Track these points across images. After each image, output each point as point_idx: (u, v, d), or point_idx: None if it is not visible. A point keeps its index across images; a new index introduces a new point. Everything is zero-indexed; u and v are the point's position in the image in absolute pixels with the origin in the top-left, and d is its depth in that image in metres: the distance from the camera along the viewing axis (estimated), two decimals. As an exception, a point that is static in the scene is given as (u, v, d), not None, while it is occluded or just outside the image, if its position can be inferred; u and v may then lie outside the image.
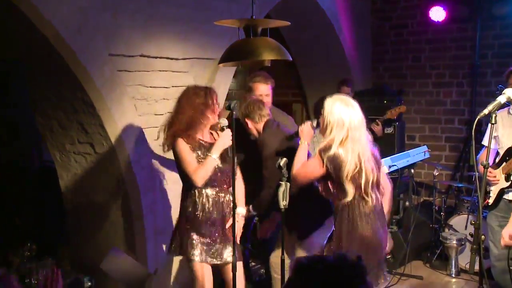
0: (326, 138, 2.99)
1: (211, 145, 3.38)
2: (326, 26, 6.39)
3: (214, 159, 3.27)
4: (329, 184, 3.03)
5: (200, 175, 3.28)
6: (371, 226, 3.00)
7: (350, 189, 2.97)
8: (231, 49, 2.83)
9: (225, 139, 3.25)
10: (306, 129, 3.20)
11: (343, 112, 2.95)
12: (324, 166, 2.96)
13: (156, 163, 4.23)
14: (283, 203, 2.73)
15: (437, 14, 6.49)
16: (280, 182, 2.78)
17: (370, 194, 3.00)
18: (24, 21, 3.31)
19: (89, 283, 3.89)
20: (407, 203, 5.68)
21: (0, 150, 4.04)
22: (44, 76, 3.79)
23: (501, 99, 2.68)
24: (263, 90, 4.21)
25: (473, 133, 2.64)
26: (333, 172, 2.96)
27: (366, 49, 7.22)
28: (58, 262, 4.04)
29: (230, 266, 3.18)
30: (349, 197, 2.98)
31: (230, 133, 3.17)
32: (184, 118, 3.38)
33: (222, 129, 3.29)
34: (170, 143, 3.43)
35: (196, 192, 3.41)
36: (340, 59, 6.75)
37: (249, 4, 4.75)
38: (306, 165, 3.07)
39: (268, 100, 4.20)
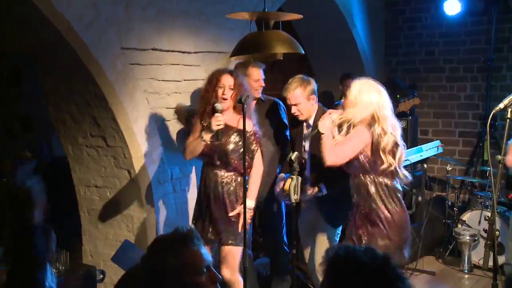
0: (358, 114, 3.09)
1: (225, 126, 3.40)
2: (339, 19, 6.34)
3: (201, 140, 3.37)
4: (368, 156, 3.08)
5: (185, 151, 3.55)
6: (402, 202, 3.15)
7: (388, 160, 3.06)
8: (244, 42, 2.82)
9: (211, 123, 3.28)
10: (327, 122, 3.17)
11: (373, 92, 3.16)
12: (370, 134, 3.05)
13: (167, 156, 4.24)
14: (294, 197, 2.72)
15: (452, 7, 6.40)
16: (292, 176, 2.77)
17: (402, 171, 3.13)
18: (37, 14, 3.33)
19: (101, 276, 3.92)
20: (419, 198, 5.64)
21: (12, 142, 4.08)
22: (56, 69, 3.81)
23: None
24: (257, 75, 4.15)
25: (487, 128, 2.60)
26: (376, 141, 3.05)
27: (379, 42, 7.17)
28: (71, 255, 4.08)
29: (227, 248, 3.33)
30: (385, 166, 3.06)
31: (219, 118, 3.22)
32: (200, 98, 3.59)
33: (216, 111, 3.29)
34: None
35: (204, 171, 3.61)
36: (353, 52, 6.70)
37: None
38: (350, 140, 3.07)
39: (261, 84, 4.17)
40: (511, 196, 3.59)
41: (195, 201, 3.89)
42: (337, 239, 3.73)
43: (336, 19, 6.35)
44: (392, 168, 3.09)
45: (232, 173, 3.48)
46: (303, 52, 2.79)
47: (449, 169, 5.75)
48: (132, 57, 3.92)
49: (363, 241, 3.09)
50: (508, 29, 6.34)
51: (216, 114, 3.25)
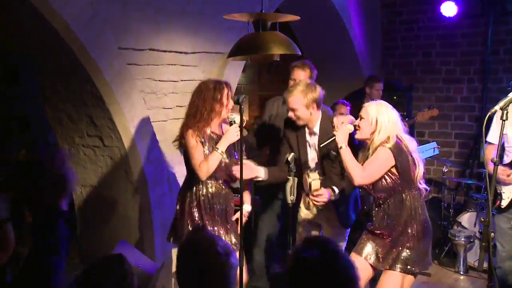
0: (377, 132, 3.21)
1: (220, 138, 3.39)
2: (335, 21, 6.37)
3: (219, 154, 3.27)
4: (395, 175, 3.21)
5: (204, 170, 3.29)
6: (426, 213, 3.32)
7: (413, 177, 3.22)
8: (241, 43, 2.83)
9: (232, 134, 3.25)
10: (343, 133, 3.21)
11: (388, 111, 3.25)
12: (394, 157, 3.16)
13: (164, 156, 4.25)
14: (290, 198, 2.73)
15: (449, 9, 6.44)
16: (288, 177, 2.78)
17: (422, 184, 3.29)
18: (35, 14, 3.33)
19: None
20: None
21: (10, 142, 4.06)
22: (54, 69, 3.81)
23: None
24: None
25: (483, 130, 2.62)
26: (400, 162, 3.17)
27: (376, 44, 7.19)
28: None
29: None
30: (413, 185, 3.22)
31: (238, 129, 3.18)
32: (194, 111, 3.39)
33: (231, 124, 3.29)
34: (181, 135, 3.43)
35: (199, 184, 3.43)
36: (350, 54, 6.73)
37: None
38: (376, 162, 3.19)
39: None
40: (498, 203, 3.61)
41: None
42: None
43: (333, 20, 6.37)
44: (416, 184, 3.26)
45: (227, 184, 3.50)
46: (300, 53, 2.80)
47: (445, 170, 5.78)
48: (129, 57, 3.93)
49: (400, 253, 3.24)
50: (505, 32, 6.37)
51: (234, 126, 3.25)
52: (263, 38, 2.71)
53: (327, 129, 3.46)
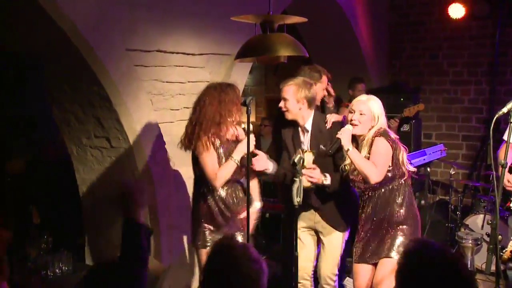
0: (374, 126, 3.27)
1: (234, 142, 3.36)
2: (342, 22, 6.35)
3: (234, 163, 3.27)
4: (390, 165, 3.23)
5: (220, 181, 3.29)
6: (413, 198, 3.39)
7: (404, 163, 3.26)
8: (248, 45, 2.82)
9: (247, 145, 3.19)
10: (346, 135, 3.21)
11: (379, 104, 3.33)
12: (391, 146, 3.21)
13: (171, 157, 4.24)
14: (297, 199, 2.72)
15: (456, 11, 6.41)
16: (295, 178, 2.77)
17: (409, 167, 3.33)
18: (42, 14, 3.34)
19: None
20: (422, 202, 5.63)
21: (18, 142, 4.10)
22: (61, 70, 3.82)
23: None
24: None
25: (491, 132, 2.60)
26: (394, 149, 3.22)
27: (383, 45, 7.17)
28: (73, 255, 4.09)
29: None
30: (402, 170, 3.25)
31: (253, 138, 3.20)
32: (211, 115, 3.30)
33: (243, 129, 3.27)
34: (192, 142, 3.34)
35: (210, 188, 3.40)
36: (357, 55, 6.70)
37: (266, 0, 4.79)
38: (381, 155, 3.20)
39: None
40: (509, 204, 3.59)
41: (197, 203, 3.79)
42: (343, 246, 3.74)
43: (339, 21, 6.36)
44: (405, 169, 3.29)
45: (238, 184, 3.50)
46: (307, 55, 2.79)
47: (452, 173, 5.75)
48: (136, 59, 3.93)
49: (394, 243, 3.24)
50: (513, 33, 6.33)
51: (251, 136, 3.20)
52: (270, 40, 2.70)
53: (319, 126, 3.55)
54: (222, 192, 3.40)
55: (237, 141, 3.37)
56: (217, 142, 3.33)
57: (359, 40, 6.57)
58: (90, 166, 4.29)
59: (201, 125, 3.30)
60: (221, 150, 3.32)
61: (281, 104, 3.52)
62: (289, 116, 3.55)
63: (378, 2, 7.01)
